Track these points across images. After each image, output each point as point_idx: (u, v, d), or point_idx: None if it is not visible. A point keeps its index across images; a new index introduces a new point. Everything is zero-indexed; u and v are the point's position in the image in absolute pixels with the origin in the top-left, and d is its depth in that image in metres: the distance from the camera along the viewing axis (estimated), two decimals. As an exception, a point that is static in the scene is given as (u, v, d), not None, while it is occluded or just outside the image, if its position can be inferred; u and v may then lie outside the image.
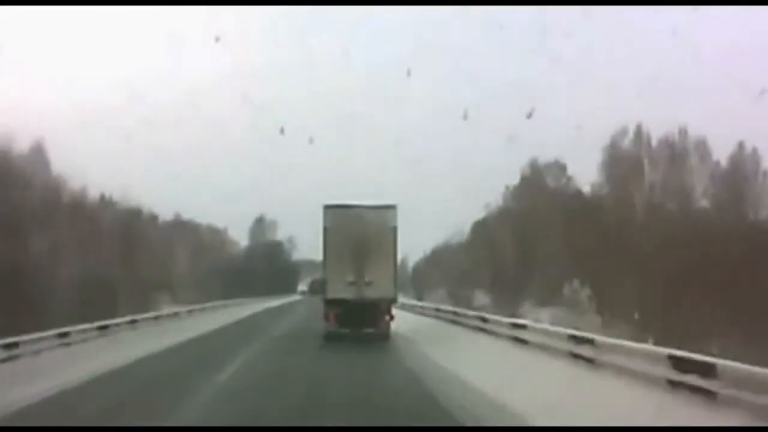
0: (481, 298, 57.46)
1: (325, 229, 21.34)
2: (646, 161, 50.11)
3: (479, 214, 68.41)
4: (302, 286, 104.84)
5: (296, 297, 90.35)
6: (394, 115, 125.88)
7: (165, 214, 75.26)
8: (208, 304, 42.97)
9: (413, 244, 74.55)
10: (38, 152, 43.03)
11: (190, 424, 9.56)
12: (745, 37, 77.13)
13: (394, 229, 21.27)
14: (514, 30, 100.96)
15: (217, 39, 67.68)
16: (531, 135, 72.19)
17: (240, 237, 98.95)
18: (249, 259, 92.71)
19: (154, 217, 70.96)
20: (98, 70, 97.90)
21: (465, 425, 9.73)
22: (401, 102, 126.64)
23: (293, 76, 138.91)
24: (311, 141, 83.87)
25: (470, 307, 49.62)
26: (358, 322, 21.43)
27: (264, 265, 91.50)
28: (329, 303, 21.52)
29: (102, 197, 57.37)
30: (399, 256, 23.07)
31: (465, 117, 56.25)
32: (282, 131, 77.69)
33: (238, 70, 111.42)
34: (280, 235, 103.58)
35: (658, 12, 61.47)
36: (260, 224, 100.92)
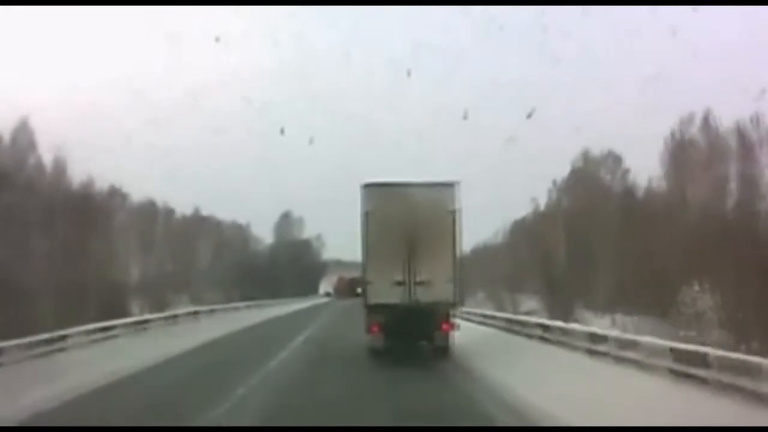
0: (528, 302, 52.18)
1: (365, 215, 16.24)
2: (715, 151, 44.47)
3: (520, 212, 63.76)
4: (325, 287, 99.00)
5: (322, 299, 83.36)
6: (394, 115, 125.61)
7: (183, 209, 70.86)
8: (185, 310, 35.85)
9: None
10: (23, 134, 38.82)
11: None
12: (745, 37, 74.02)
13: (455, 213, 16.09)
14: (514, 30, 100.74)
15: (217, 39, 69.02)
16: (532, 137, 72.24)
17: (265, 234, 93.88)
18: (274, 257, 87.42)
19: (170, 212, 66.32)
20: (99, 69, 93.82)
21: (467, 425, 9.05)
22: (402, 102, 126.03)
23: (293, 76, 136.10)
24: (311, 141, 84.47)
25: (517, 311, 44.80)
26: (409, 333, 16.48)
27: (289, 265, 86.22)
28: (372, 310, 16.52)
29: (111, 188, 52.94)
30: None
31: (465, 117, 55.28)
32: (282, 131, 77.71)
33: (238, 70, 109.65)
34: (308, 232, 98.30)
35: (658, 12, 58.78)
36: (286, 220, 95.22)
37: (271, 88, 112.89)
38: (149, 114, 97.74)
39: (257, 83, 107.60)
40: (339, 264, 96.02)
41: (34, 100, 67.76)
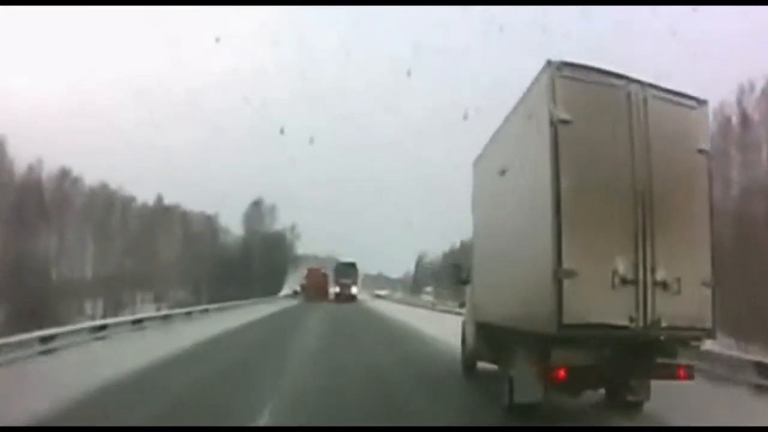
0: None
1: (557, 127, 7.30)
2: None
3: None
4: (292, 285, 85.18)
5: (287, 302, 58.85)
6: (393, 115, 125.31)
7: (146, 198, 63.71)
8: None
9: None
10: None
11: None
12: (745, 37, 73.20)
13: (709, 158, 7.83)
14: (514, 30, 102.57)
15: (217, 39, 67.89)
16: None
17: (237, 227, 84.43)
18: (245, 251, 78.52)
19: (129, 200, 58.40)
20: (99, 69, 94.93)
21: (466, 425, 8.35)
22: (402, 102, 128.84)
23: (293, 76, 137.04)
24: (311, 141, 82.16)
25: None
26: (619, 379, 8.35)
27: (261, 259, 77.42)
28: (568, 336, 7.20)
29: (63, 171, 45.47)
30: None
31: (465, 117, 52.35)
32: (282, 131, 77.21)
33: (238, 70, 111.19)
34: (281, 223, 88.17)
35: (658, 12, 60.04)
36: (257, 209, 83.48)
37: (271, 88, 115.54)
38: (149, 112, 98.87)
39: (257, 83, 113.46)
40: (316, 260, 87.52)
41: (37, 99, 67.47)
